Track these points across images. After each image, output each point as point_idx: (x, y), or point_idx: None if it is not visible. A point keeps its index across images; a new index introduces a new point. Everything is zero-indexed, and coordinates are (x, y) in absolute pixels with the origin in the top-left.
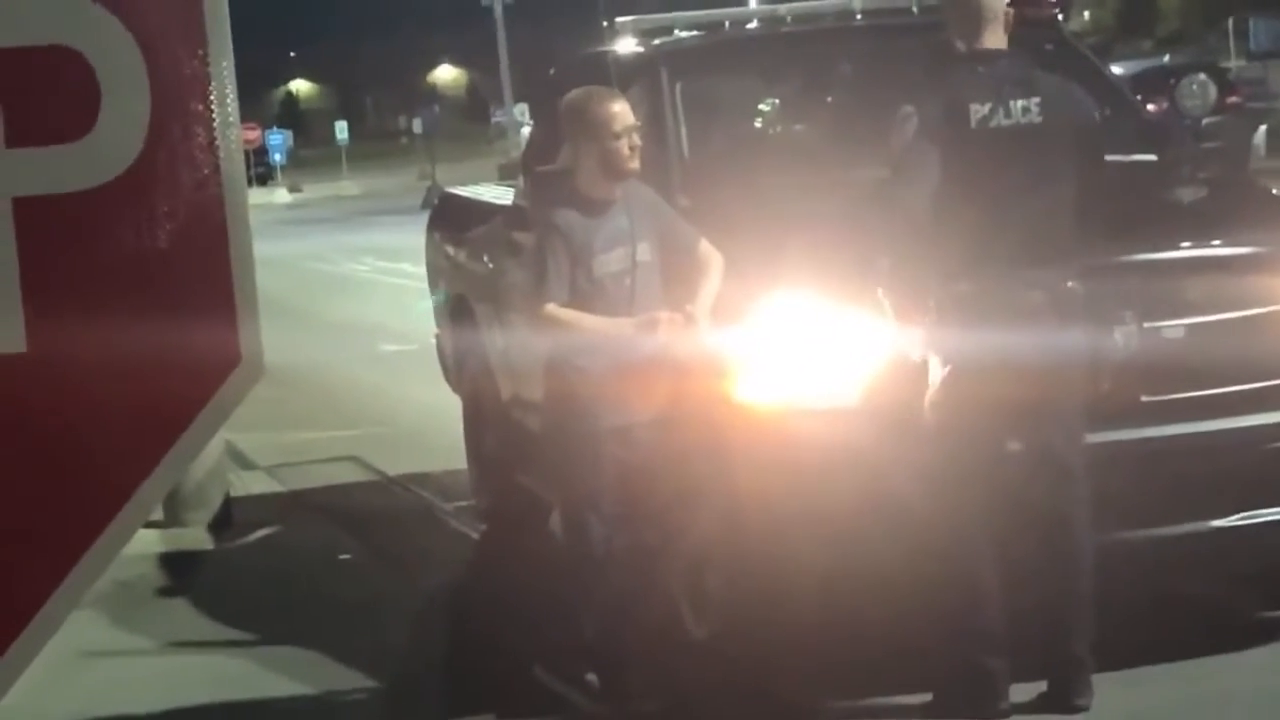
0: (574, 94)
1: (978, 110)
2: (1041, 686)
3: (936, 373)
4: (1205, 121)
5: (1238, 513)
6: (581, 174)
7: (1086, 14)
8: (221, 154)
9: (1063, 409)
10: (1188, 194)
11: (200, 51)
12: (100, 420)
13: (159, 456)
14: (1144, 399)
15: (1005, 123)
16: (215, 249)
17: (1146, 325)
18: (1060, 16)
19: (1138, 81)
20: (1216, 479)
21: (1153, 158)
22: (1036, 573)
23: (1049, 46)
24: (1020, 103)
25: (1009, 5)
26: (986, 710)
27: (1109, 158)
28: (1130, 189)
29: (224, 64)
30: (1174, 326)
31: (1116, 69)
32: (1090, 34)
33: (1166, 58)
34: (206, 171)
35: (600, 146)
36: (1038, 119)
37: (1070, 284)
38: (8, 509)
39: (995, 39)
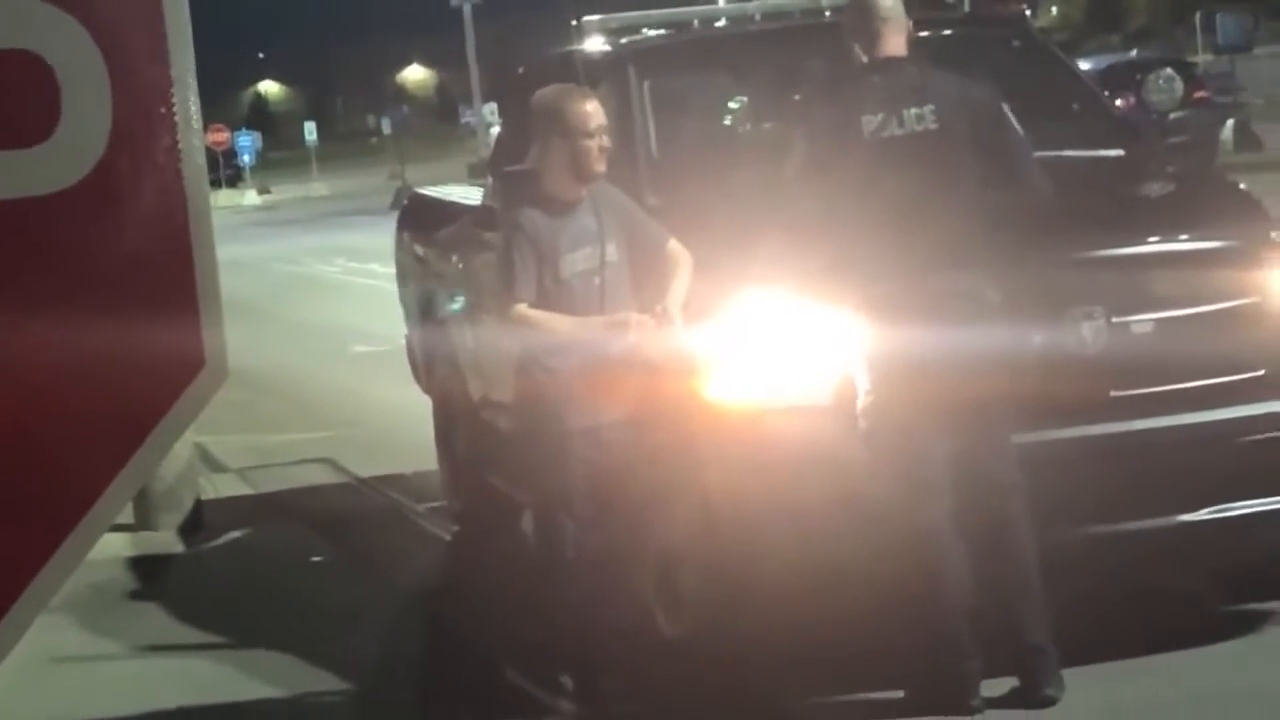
0: (545, 91)
1: (870, 121)
2: (1014, 682)
3: (862, 379)
4: (1173, 116)
5: (1208, 507)
6: (548, 173)
7: (1054, 9)
8: (184, 157)
9: (982, 415)
10: (1156, 189)
11: (162, 54)
12: (64, 423)
13: (124, 460)
14: (1113, 394)
15: (899, 132)
16: (178, 252)
17: (1115, 320)
18: (1028, 12)
19: (1105, 77)
20: (1186, 473)
21: (1121, 153)
22: (983, 570)
23: (1016, 43)
24: (914, 111)
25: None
26: (958, 708)
27: (1075, 153)
28: (1098, 184)
29: (186, 66)
30: (1142, 321)
31: (1084, 64)
32: (1058, 29)
33: (1134, 53)
34: (169, 175)
35: (571, 145)
36: (933, 125)
37: (992, 293)
38: None
39: (895, 46)
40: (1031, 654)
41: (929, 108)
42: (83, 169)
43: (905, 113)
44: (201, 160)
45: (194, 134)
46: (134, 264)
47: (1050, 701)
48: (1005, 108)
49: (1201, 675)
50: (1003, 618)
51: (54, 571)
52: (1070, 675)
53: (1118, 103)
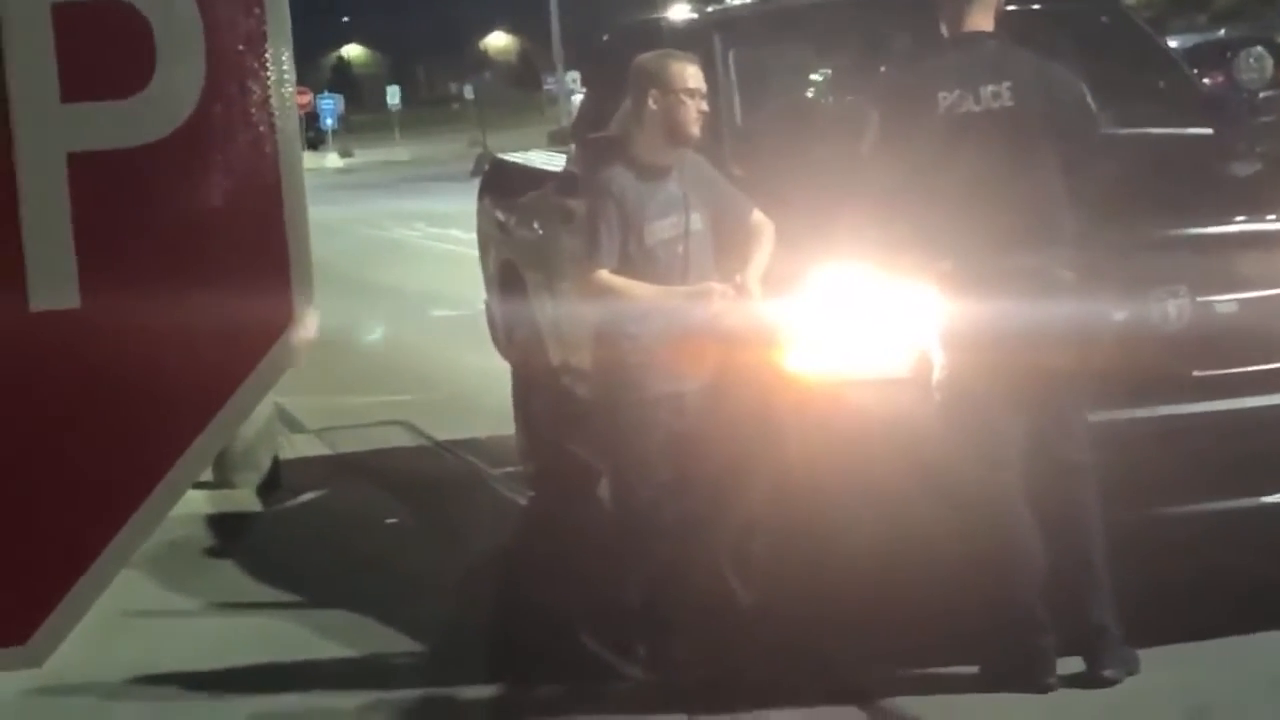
0: (648, 54)
1: (945, 97)
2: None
3: (937, 353)
4: (1262, 95)
5: None
6: (641, 137)
7: None
8: (276, 112)
9: (1053, 392)
10: (1244, 168)
11: (256, 9)
12: (151, 379)
13: (210, 416)
14: (1196, 374)
15: (975, 109)
16: (269, 208)
17: (1199, 299)
18: None
19: (1194, 55)
20: (1268, 455)
21: (1208, 131)
22: (1048, 548)
23: (1104, 19)
24: (990, 88)
25: None
26: (1032, 683)
27: (1163, 131)
28: (1186, 162)
29: (280, 21)
30: (1227, 301)
31: (1172, 42)
32: (1145, 7)
33: (1223, 31)
34: (262, 129)
35: (668, 103)
36: (1009, 103)
37: (1065, 272)
38: (57, 467)
39: (981, 22)
40: (1094, 633)
41: (1006, 85)
42: (175, 121)
43: (982, 89)
44: (294, 116)
45: (287, 89)
46: (224, 219)
47: (1110, 682)
48: (1085, 91)
49: (1274, 660)
50: (1065, 596)
51: (136, 528)
52: (1144, 656)
53: (1206, 81)
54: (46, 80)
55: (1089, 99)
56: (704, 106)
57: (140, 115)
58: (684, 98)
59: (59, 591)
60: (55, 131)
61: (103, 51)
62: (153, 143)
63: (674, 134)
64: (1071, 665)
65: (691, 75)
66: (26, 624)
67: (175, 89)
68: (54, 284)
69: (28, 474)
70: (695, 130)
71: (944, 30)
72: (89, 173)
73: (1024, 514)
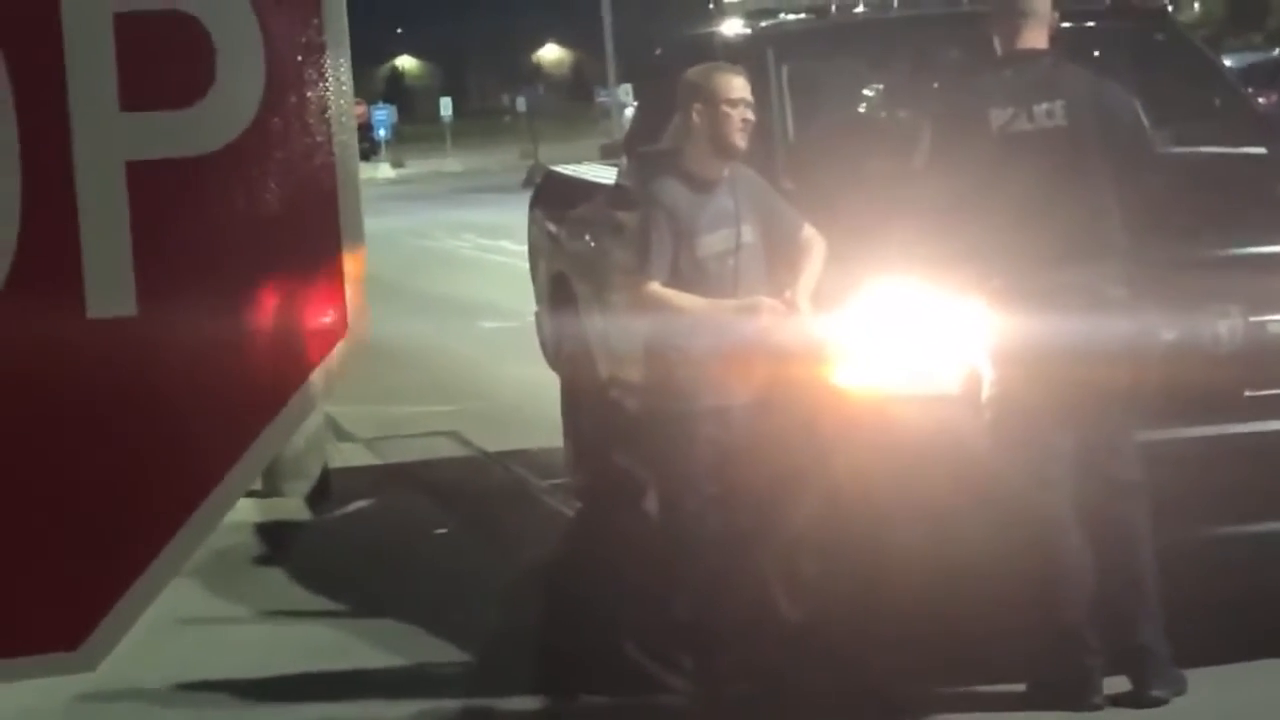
0: (695, 68)
1: (999, 116)
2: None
3: (987, 369)
4: None
5: None
6: (691, 150)
7: (1197, 6)
8: (334, 123)
9: (1102, 410)
10: None
11: (315, 20)
12: (206, 386)
13: (263, 424)
14: (1248, 394)
15: (1028, 127)
16: (325, 218)
17: (1252, 319)
18: (1170, 8)
19: (1249, 74)
20: None
21: (1262, 150)
22: (1097, 567)
23: (1159, 37)
24: (1044, 106)
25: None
26: (1080, 702)
27: (1217, 150)
28: (1239, 181)
29: (340, 31)
30: (1279, 321)
31: (1227, 61)
32: (1200, 26)
33: (1277, 50)
34: (319, 140)
35: (713, 114)
36: (1063, 121)
37: (1116, 289)
38: (113, 473)
39: (1035, 39)
40: (1139, 653)
41: (1060, 103)
42: (234, 131)
43: (1035, 108)
44: (352, 127)
45: (345, 100)
46: (281, 228)
47: (1158, 702)
48: (1138, 109)
49: None
50: (1113, 615)
51: (188, 536)
52: (1190, 676)
53: (1260, 100)
54: (106, 89)
55: (1141, 117)
56: (749, 116)
57: (199, 125)
58: (727, 109)
59: (111, 598)
60: (114, 140)
61: (162, 61)
62: (211, 153)
63: (719, 145)
64: (1118, 685)
65: (736, 86)
66: (79, 629)
67: (234, 99)
68: (111, 291)
69: (83, 480)
70: (740, 141)
71: (998, 47)
72: (147, 182)
73: (1073, 532)
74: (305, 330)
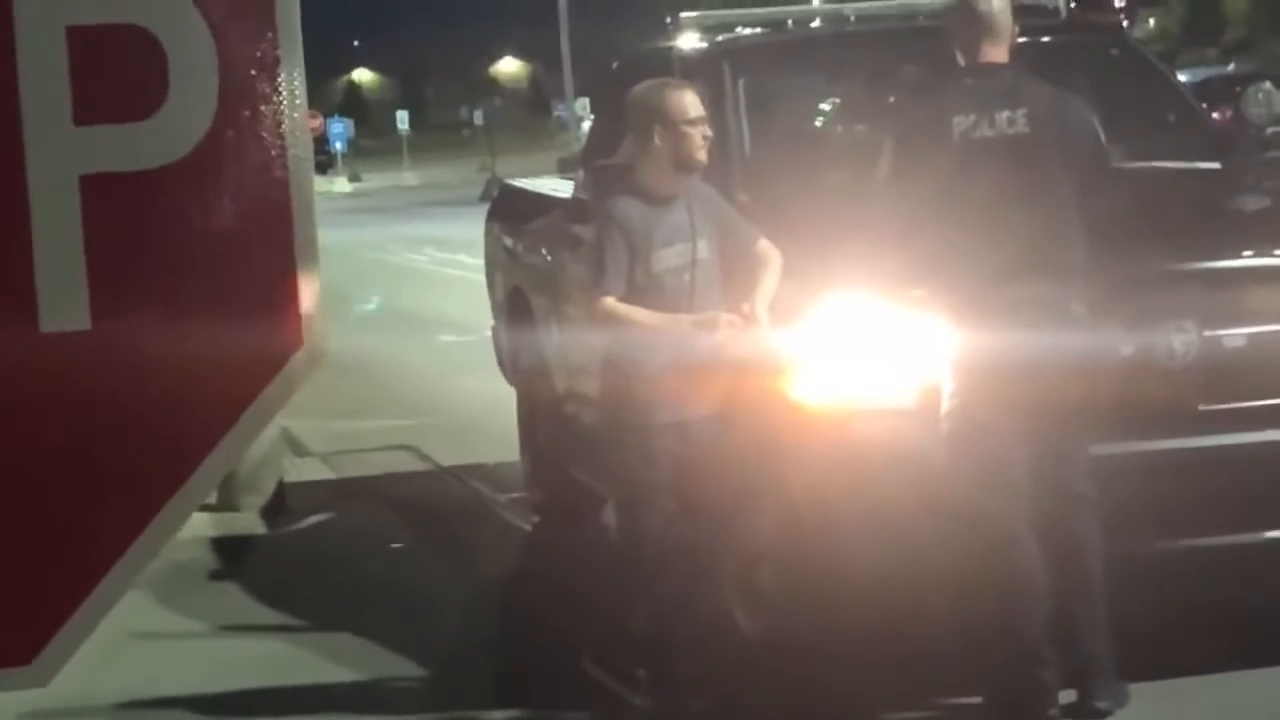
0: (642, 86)
1: (961, 122)
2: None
3: (946, 382)
4: (1270, 130)
5: None
6: (647, 166)
7: (1151, 21)
8: (288, 137)
9: (1057, 423)
10: (1251, 202)
11: (269, 34)
12: (160, 400)
13: (218, 438)
14: (1201, 407)
15: (989, 133)
16: (279, 231)
17: (1206, 333)
18: (1125, 23)
19: (1203, 89)
20: (1273, 489)
21: (1216, 165)
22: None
23: (1114, 51)
24: (1006, 114)
25: (1073, 5)
26: (1034, 716)
27: (1171, 165)
28: (1194, 196)
29: (292, 46)
30: (1234, 335)
31: (1181, 77)
32: (1155, 41)
33: (1232, 66)
34: (273, 154)
35: (673, 135)
36: (1024, 130)
37: (1077, 304)
38: (66, 488)
39: (996, 54)
40: (1087, 665)
41: (1022, 111)
42: (187, 145)
43: (997, 115)
44: (307, 140)
45: (299, 113)
46: (234, 243)
47: (1102, 714)
48: (1097, 124)
49: (1271, 697)
50: (1062, 627)
51: (142, 550)
52: (1139, 690)
53: (1214, 115)
54: (59, 103)
55: (1101, 134)
56: (708, 132)
57: (153, 138)
58: (687, 129)
59: (65, 612)
60: (68, 154)
61: (116, 75)
62: (165, 166)
63: (681, 164)
64: (1063, 696)
65: (692, 104)
66: (32, 644)
67: (188, 113)
68: (65, 305)
69: (35, 494)
70: (702, 157)
71: (960, 61)
72: (101, 195)
73: (1031, 547)
74: (259, 344)
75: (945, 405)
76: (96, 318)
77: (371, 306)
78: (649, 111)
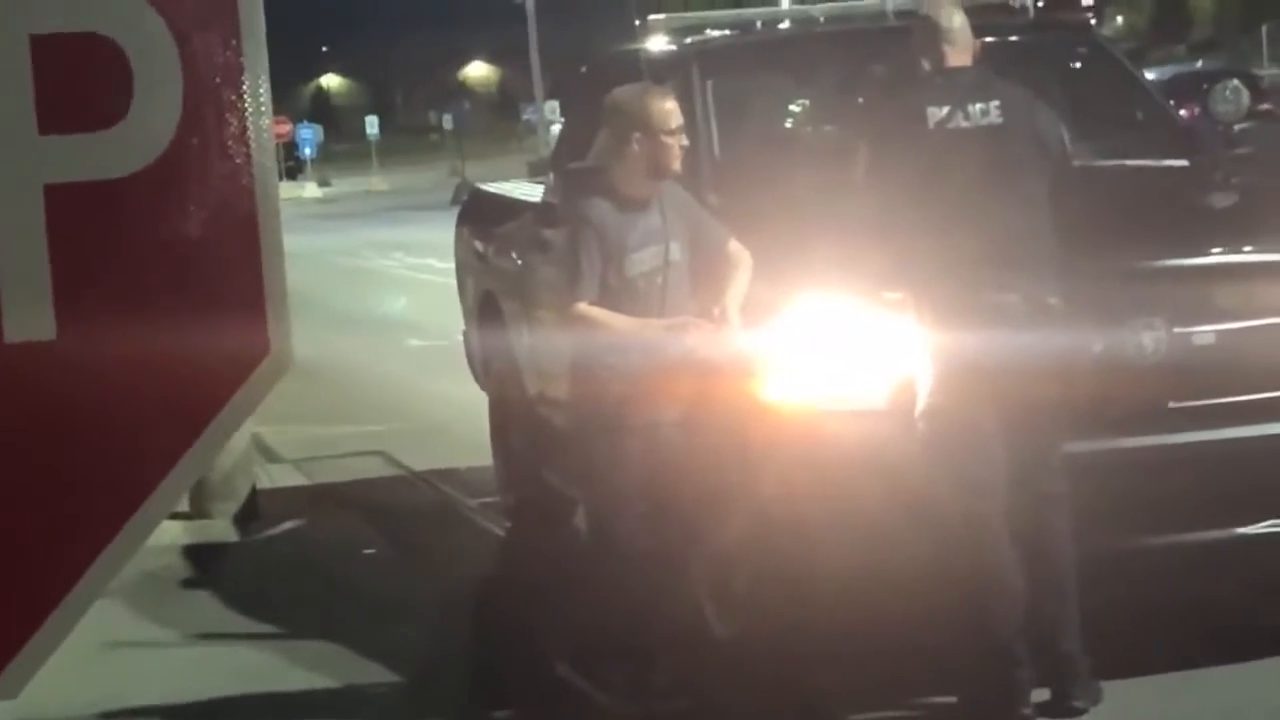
0: (624, 90)
1: (935, 113)
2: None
3: (921, 382)
4: (1238, 127)
5: (1264, 520)
6: (622, 171)
7: (1119, 19)
8: (253, 144)
9: (1030, 421)
10: (1220, 199)
11: (233, 41)
12: (127, 409)
13: (186, 446)
14: (1171, 405)
15: (964, 124)
16: (245, 239)
17: (1176, 330)
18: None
19: (1171, 87)
20: (1243, 486)
21: (1185, 163)
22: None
23: (1081, 49)
24: (979, 106)
25: (1040, 4)
26: (1009, 716)
27: (1139, 162)
28: (1162, 194)
29: (258, 53)
30: (1203, 332)
31: (1149, 74)
32: (1123, 39)
33: (1199, 63)
34: (238, 161)
35: (653, 143)
36: (998, 120)
37: (1052, 299)
38: (34, 498)
39: (962, 60)
40: (1061, 664)
41: (995, 104)
42: (152, 153)
43: (970, 107)
44: (271, 148)
45: (264, 121)
46: (201, 250)
47: (1077, 713)
48: (1062, 127)
49: (1242, 691)
50: (1036, 625)
51: (111, 559)
52: (1113, 688)
53: (1182, 113)
54: (23, 112)
55: (1066, 139)
56: (685, 141)
57: (117, 147)
58: (666, 139)
59: (33, 623)
60: (32, 163)
61: (80, 84)
62: (130, 175)
63: (658, 172)
64: (1038, 695)
65: (674, 115)
66: None
67: (152, 121)
68: (30, 315)
69: (1, 505)
70: (678, 166)
71: (925, 65)
72: (66, 205)
73: (1006, 547)
74: (226, 352)
75: (921, 404)
76: (62, 327)
77: (342, 312)
78: (629, 118)
